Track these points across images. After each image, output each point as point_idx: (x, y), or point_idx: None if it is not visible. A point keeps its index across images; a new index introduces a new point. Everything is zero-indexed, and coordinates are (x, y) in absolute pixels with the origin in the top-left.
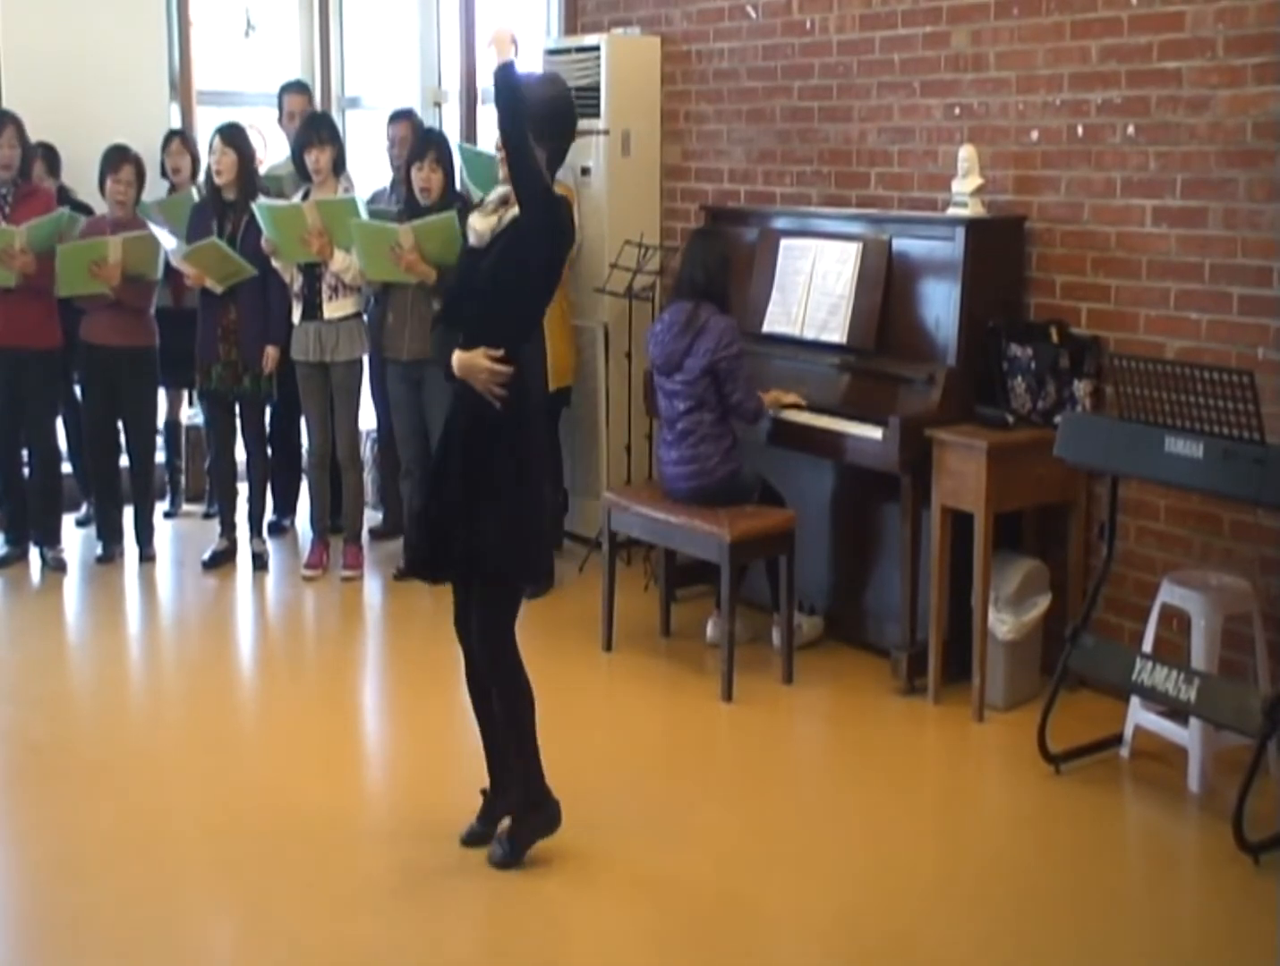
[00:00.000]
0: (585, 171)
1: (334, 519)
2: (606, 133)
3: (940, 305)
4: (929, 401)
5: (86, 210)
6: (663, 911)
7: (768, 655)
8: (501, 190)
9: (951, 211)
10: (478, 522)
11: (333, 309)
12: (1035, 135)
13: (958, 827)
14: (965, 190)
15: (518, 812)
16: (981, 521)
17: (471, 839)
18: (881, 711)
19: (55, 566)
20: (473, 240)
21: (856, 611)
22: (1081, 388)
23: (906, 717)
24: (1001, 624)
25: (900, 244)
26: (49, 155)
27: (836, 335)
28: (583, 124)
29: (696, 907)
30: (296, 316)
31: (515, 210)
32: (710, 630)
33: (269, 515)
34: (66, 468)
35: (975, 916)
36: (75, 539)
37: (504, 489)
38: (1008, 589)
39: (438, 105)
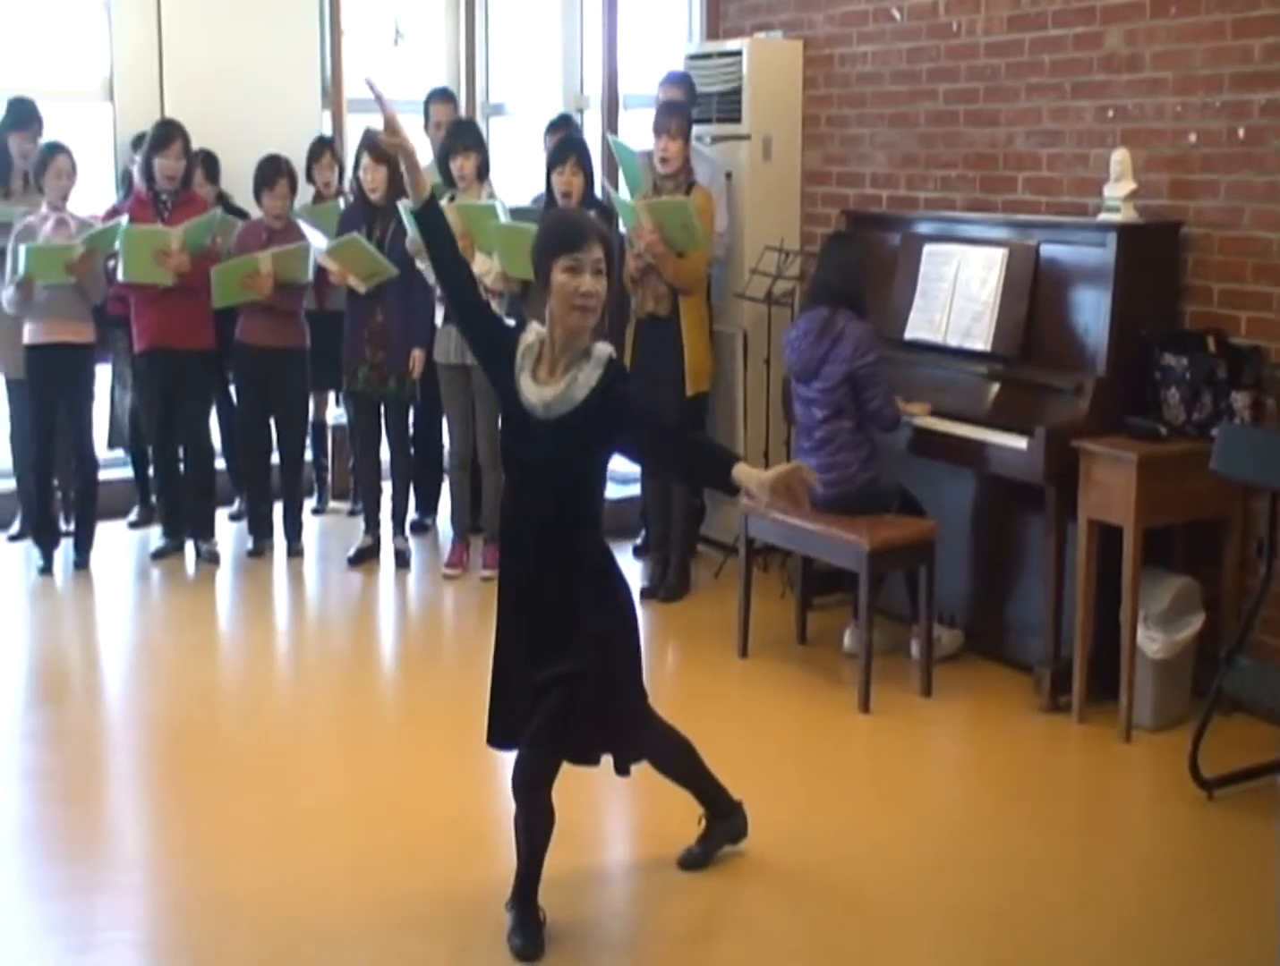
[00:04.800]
0: (727, 176)
1: (474, 519)
2: (748, 137)
3: (1090, 313)
4: (1077, 411)
5: (243, 216)
6: (794, 919)
7: (906, 666)
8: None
9: (1103, 217)
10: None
11: None
12: (1193, 138)
13: (1101, 852)
14: (1118, 195)
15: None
16: (1131, 536)
17: (690, 861)
18: (1023, 728)
19: (209, 559)
20: (538, 408)
21: (998, 625)
22: (1240, 399)
23: (1049, 735)
24: (1151, 642)
25: (1048, 250)
26: (209, 162)
27: (980, 342)
28: (724, 129)
29: (828, 916)
30: (439, 319)
31: (583, 378)
32: (848, 639)
33: (411, 514)
34: (220, 464)
35: (1116, 949)
36: (228, 533)
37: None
38: (1158, 606)
39: (580, 111)
